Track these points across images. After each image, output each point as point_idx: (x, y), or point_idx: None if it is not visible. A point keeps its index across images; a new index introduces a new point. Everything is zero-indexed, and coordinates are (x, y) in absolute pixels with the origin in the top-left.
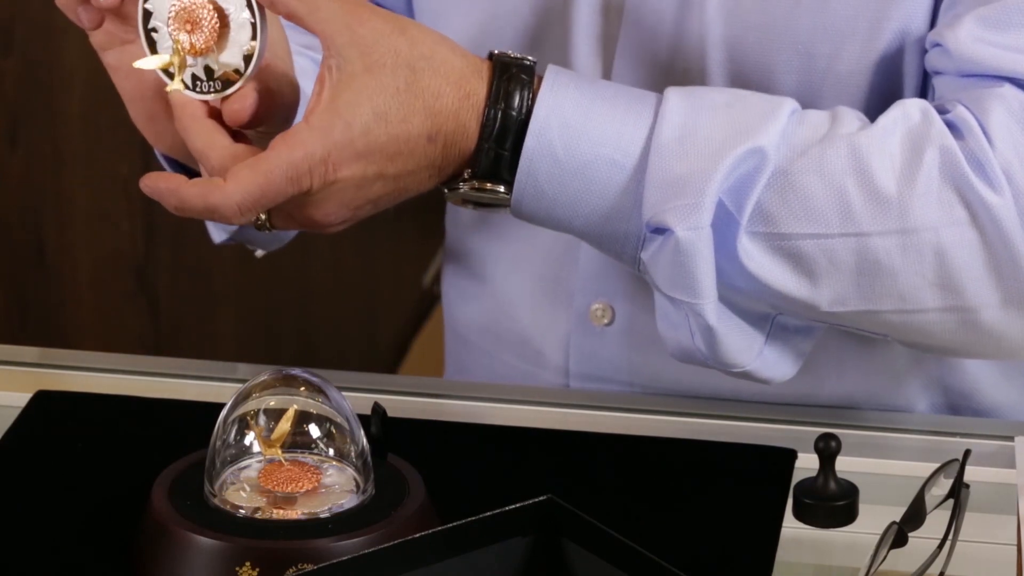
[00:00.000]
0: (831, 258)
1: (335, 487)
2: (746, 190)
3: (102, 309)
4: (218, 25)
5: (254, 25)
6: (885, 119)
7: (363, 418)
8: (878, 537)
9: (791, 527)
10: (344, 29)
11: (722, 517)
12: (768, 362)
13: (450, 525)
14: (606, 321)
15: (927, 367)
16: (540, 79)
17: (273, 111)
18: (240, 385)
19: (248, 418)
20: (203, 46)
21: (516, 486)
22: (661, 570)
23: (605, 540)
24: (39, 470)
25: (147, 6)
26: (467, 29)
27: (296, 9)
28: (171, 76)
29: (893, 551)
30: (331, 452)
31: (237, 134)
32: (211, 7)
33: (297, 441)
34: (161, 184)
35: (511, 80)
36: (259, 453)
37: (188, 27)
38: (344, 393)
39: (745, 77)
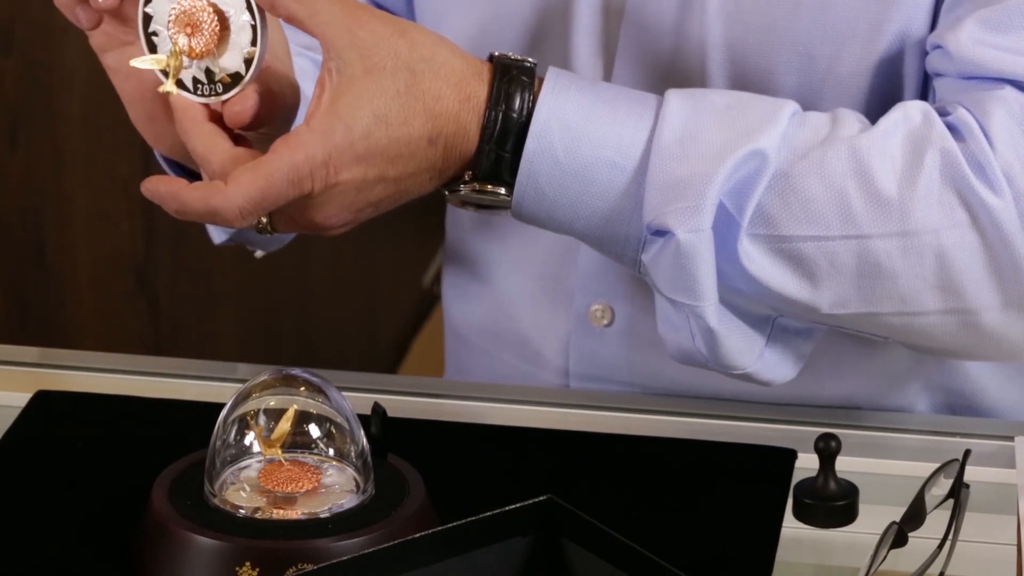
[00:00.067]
0: (832, 260)
1: (335, 487)
2: (747, 192)
3: (102, 309)
4: (218, 28)
5: (254, 28)
6: (886, 121)
7: (363, 418)
8: (878, 537)
9: (791, 527)
10: (344, 32)
11: (722, 517)
12: (769, 364)
13: (450, 525)
14: (606, 322)
15: (927, 369)
16: (541, 81)
17: (274, 113)
18: (240, 385)
19: (248, 418)
20: (203, 49)
21: (516, 486)
22: (661, 570)
23: (605, 540)
24: (39, 470)
25: (147, 9)
26: (467, 29)
27: (296, 12)
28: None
29: (893, 551)
30: (331, 452)
31: (238, 137)
32: (211, 10)
33: (297, 441)
34: (162, 188)
35: (512, 82)
36: (259, 453)
37: (188, 30)
38: (344, 393)
39: (745, 78)
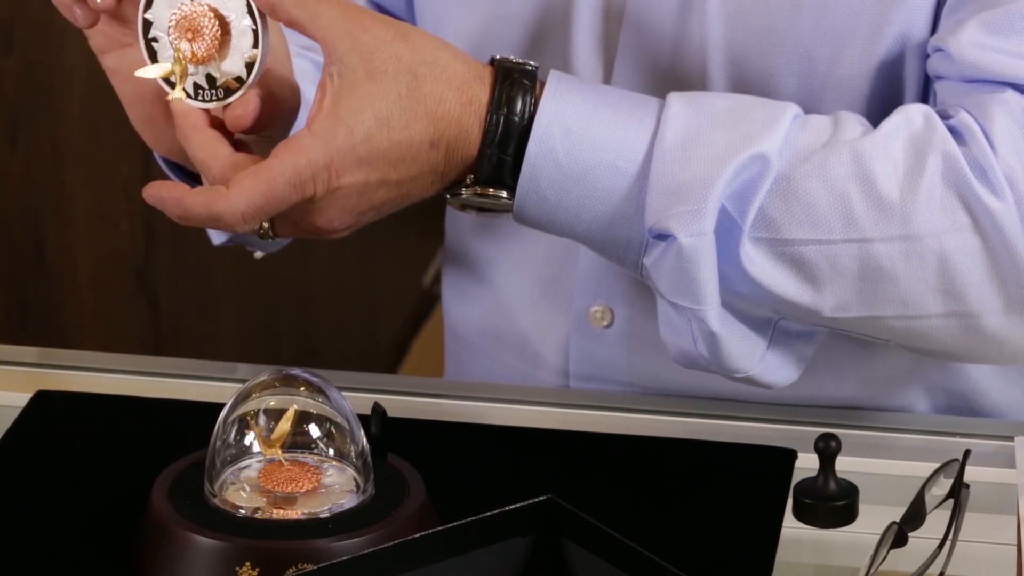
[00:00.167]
0: (834, 264)
1: (335, 487)
2: (749, 196)
3: (102, 309)
4: (219, 33)
5: (255, 32)
6: (888, 124)
7: (363, 418)
8: (878, 537)
9: (791, 527)
10: (345, 36)
11: (722, 517)
12: (770, 367)
13: (450, 525)
14: (605, 323)
15: (927, 371)
16: (542, 84)
17: (275, 116)
18: (240, 385)
19: (248, 418)
20: (204, 54)
21: (516, 486)
22: (661, 570)
23: (605, 540)
24: (39, 470)
25: (147, 15)
26: (468, 31)
27: (297, 16)
28: (172, 85)
29: (893, 551)
30: (331, 452)
31: (238, 143)
32: (212, 15)
33: (297, 441)
34: (164, 193)
35: (513, 85)
36: (259, 453)
37: (189, 35)
38: (344, 393)
39: (745, 81)
